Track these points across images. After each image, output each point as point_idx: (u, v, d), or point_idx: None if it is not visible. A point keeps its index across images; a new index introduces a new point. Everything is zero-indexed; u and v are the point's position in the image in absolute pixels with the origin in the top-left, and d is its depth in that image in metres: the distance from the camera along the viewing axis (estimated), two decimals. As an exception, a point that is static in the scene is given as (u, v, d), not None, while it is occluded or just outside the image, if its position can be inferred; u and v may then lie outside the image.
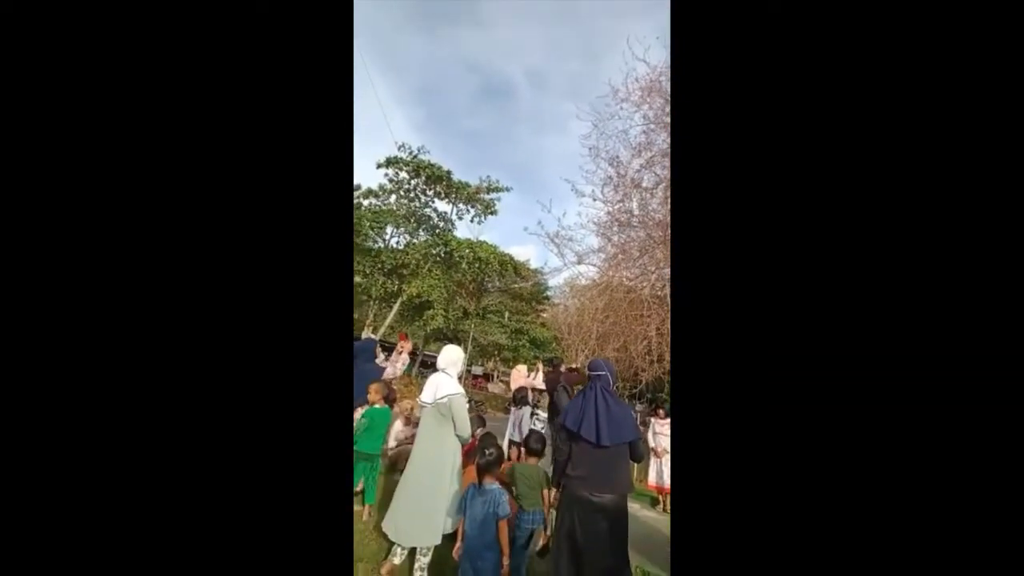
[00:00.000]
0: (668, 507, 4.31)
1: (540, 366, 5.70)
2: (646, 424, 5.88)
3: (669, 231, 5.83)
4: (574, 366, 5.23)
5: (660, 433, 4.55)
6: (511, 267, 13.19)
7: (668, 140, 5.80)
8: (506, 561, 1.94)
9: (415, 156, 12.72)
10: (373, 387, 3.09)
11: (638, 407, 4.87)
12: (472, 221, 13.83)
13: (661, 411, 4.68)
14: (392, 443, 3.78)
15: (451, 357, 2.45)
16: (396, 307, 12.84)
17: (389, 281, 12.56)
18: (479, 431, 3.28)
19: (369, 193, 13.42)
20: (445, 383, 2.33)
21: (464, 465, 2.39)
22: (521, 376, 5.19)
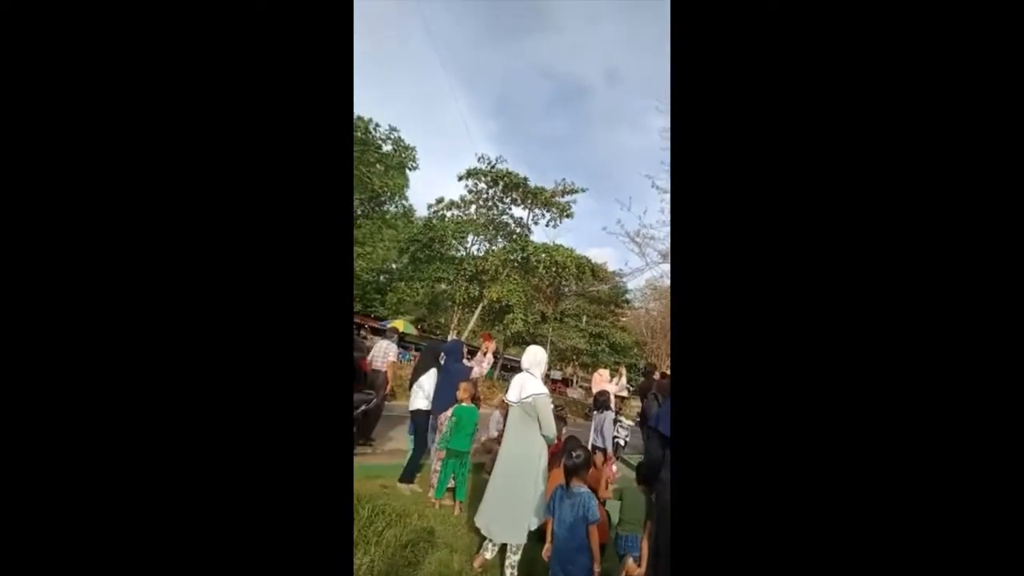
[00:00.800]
0: None
1: (623, 371, 5.54)
2: None
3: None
4: (667, 371, 5.01)
5: None
6: (588, 270, 12.99)
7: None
8: (597, 568, 1.93)
9: (493, 166, 13.22)
10: (463, 386, 3.29)
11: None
12: (548, 225, 13.94)
13: None
14: (493, 432, 3.96)
15: (535, 358, 2.52)
16: (478, 312, 13.38)
17: (471, 287, 13.15)
18: (564, 430, 3.33)
19: (451, 205, 14.23)
20: (530, 383, 2.39)
21: (550, 467, 2.44)
22: (603, 380, 5.10)
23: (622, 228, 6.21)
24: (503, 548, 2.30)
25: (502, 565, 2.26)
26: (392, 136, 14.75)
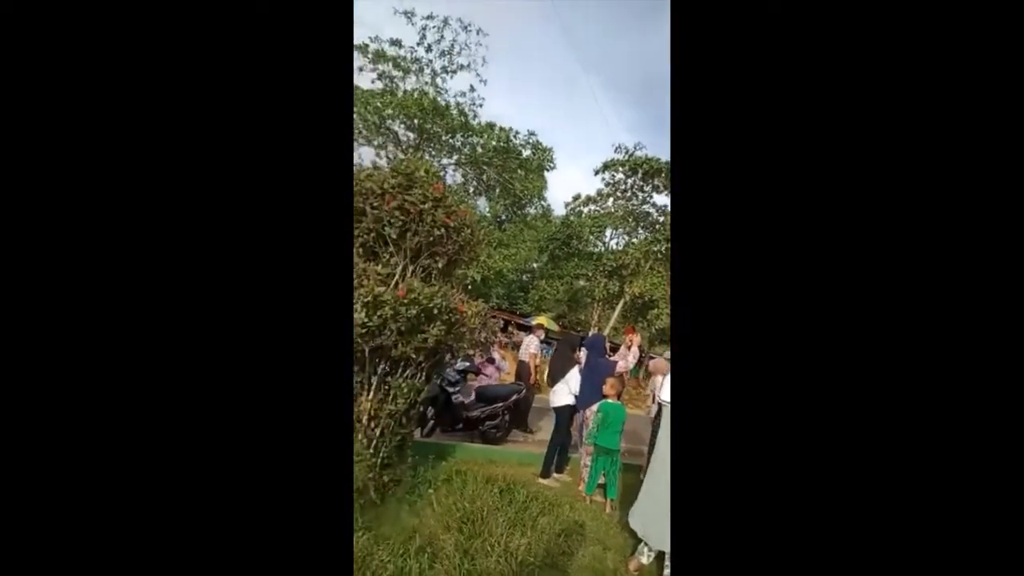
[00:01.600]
0: None
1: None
2: None
3: None
4: None
5: None
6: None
7: None
8: None
9: (631, 155, 12.61)
10: (609, 381, 3.22)
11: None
12: (697, 211, 12.57)
13: None
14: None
15: None
16: (619, 308, 12.95)
17: (610, 282, 12.80)
18: None
19: (588, 200, 14.10)
20: None
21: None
22: (663, 367, 4.34)
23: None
24: (660, 555, 2.18)
25: (659, 570, 2.14)
26: (531, 140, 15.44)
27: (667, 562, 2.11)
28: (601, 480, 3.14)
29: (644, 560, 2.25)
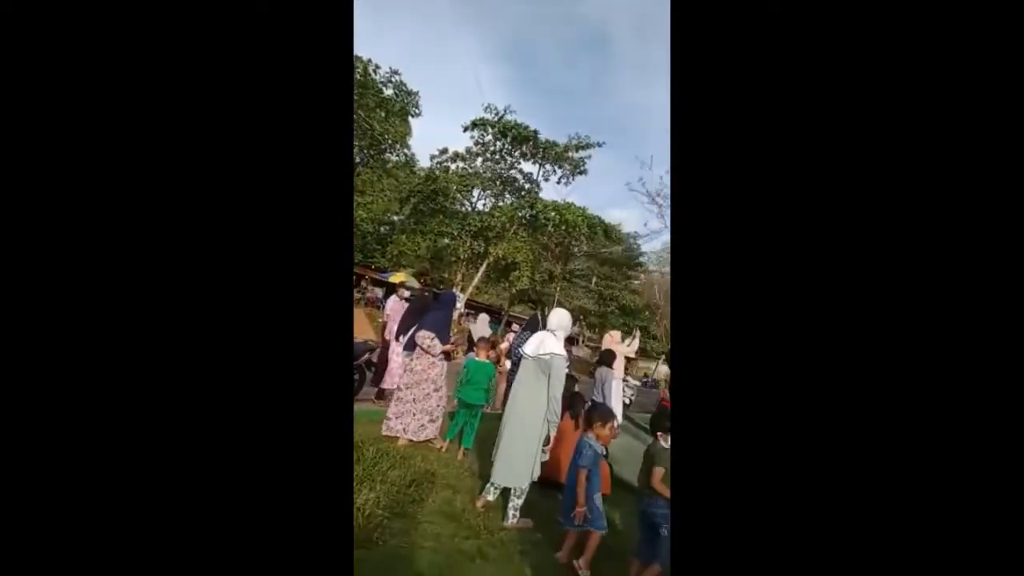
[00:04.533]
0: None
1: (637, 334, 5.64)
2: None
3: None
4: None
5: None
6: (601, 230, 12.80)
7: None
8: (578, 509, 2.02)
9: (501, 117, 12.69)
10: (480, 344, 3.47)
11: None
12: (560, 182, 13.58)
13: None
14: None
15: (561, 321, 2.61)
16: (482, 269, 13.38)
17: (475, 243, 13.06)
18: (576, 387, 3.43)
19: (456, 157, 13.83)
20: (551, 342, 2.47)
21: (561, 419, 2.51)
22: (614, 342, 5.17)
23: (643, 186, 6.02)
24: (506, 492, 2.40)
25: (504, 507, 2.37)
26: (393, 80, 14.10)
27: (512, 496, 2.34)
28: (459, 430, 3.27)
29: (490, 497, 2.45)
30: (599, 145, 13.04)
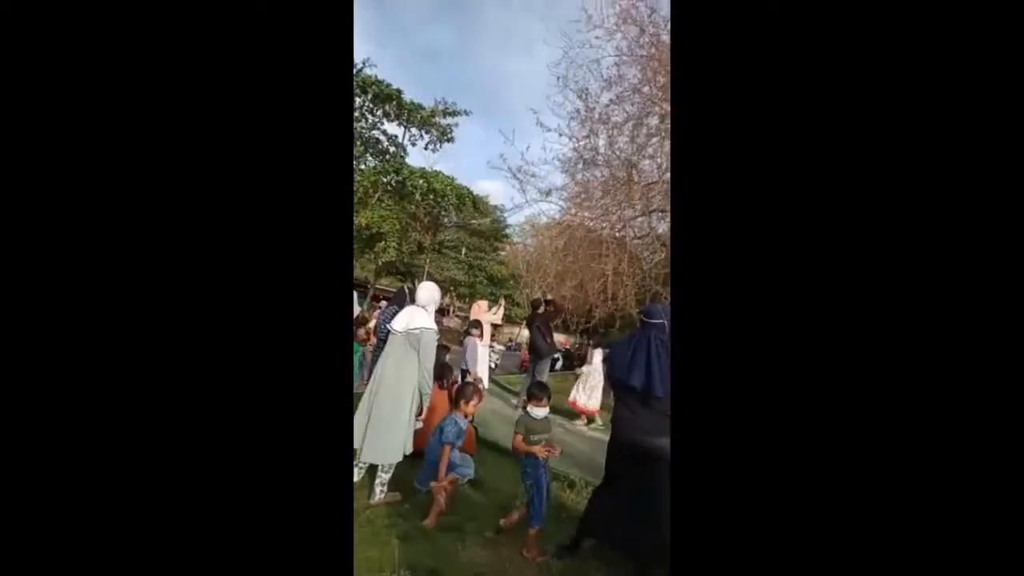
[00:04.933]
0: (591, 423, 4.97)
1: (502, 302, 6.02)
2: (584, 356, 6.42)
3: (633, 171, 5.93)
4: (549, 297, 5.57)
5: (591, 363, 5.10)
6: (470, 201, 12.91)
7: (641, 74, 5.69)
8: (436, 483, 2.23)
9: (359, 70, 11.52)
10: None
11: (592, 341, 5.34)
12: (427, 148, 13.13)
13: (593, 340, 5.17)
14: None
15: (431, 295, 2.64)
16: (344, 239, 12.31)
17: (335, 210, 11.87)
18: (447, 357, 3.53)
19: (308, 107, 12.14)
20: (421, 316, 2.49)
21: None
22: (481, 311, 5.43)
23: (505, 163, 6.23)
24: (372, 469, 2.41)
25: (371, 484, 2.37)
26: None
27: (380, 471, 2.35)
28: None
29: (355, 477, 2.43)
30: (466, 113, 12.93)
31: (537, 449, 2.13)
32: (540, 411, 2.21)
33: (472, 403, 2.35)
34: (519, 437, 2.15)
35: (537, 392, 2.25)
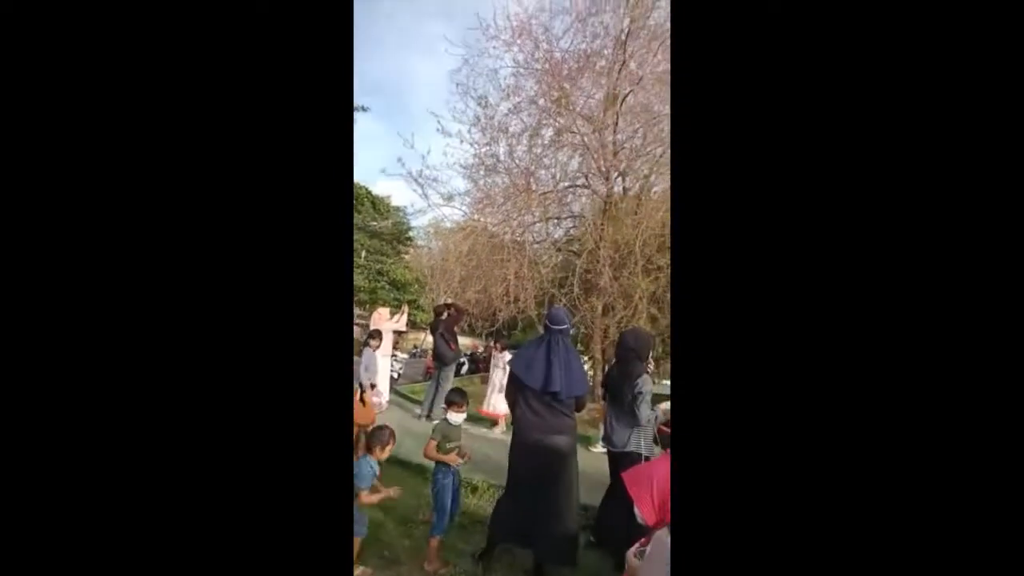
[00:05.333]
0: (505, 427, 4.93)
1: (405, 309, 5.84)
2: (488, 359, 6.55)
3: (531, 179, 6.22)
4: (449, 302, 5.49)
5: (497, 367, 5.00)
6: (368, 202, 12.29)
7: (536, 87, 6.00)
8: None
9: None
10: None
11: (498, 344, 5.40)
12: (320, 143, 12.16)
13: (499, 344, 5.27)
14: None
15: None
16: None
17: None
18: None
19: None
20: None
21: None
22: (382, 319, 5.20)
23: (403, 167, 6.07)
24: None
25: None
26: None
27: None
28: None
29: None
30: (363, 109, 12.30)
31: (451, 457, 2.11)
32: (459, 417, 2.20)
33: (388, 448, 2.23)
34: (433, 444, 2.12)
35: (457, 399, 2.23)
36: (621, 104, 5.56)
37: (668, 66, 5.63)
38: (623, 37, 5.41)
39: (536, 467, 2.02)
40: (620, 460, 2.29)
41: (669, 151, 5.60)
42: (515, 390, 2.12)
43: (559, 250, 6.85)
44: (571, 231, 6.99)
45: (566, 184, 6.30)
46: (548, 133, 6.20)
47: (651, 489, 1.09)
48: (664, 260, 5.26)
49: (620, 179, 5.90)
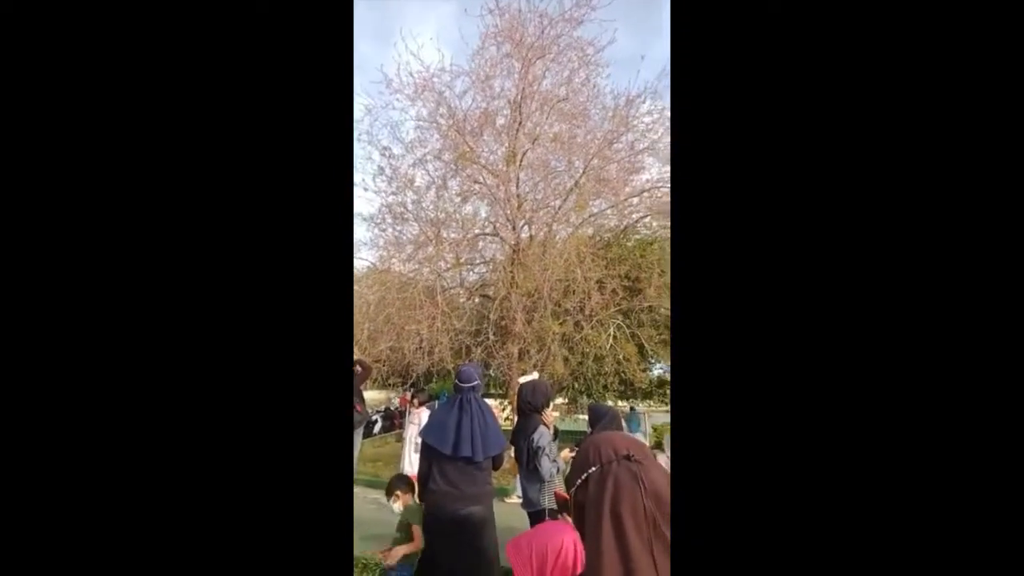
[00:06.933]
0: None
1: None
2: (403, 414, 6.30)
3: (440, 228, 6.31)
4: (354, 358, 5.17)
5: (413, 423, 4.88)
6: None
7: (441, 141, 6.22)
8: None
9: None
10: None
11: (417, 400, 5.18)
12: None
13: (415, 399, 5.12)
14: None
15: None
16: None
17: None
18: None
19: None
20: None
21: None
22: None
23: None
24: None
25: None
26: None
27: None
28: None
29: None
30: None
31: (398, 551, 1.96)
32: (400, 507, 2.07)
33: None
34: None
35: (401, 487, 2.11)
36: (521, 160, 5.98)
37: (560, 128, 6.27)
38: (519, 99, 5.89)
39: (453, 542, 1.95)
40: (537, 517, 2.30)
41: (566, 202, 6.17)
42: (426, 459, 2.05)
43: (472, 295, 6.95)
44: (486, 276, 7.15)
45: (476, 232, 6.50)
46: (455, 184, 6.41)
47: (529, 558, 1.10)
48: (570, 303, 5.60)
49: (527, 227, 6.25)
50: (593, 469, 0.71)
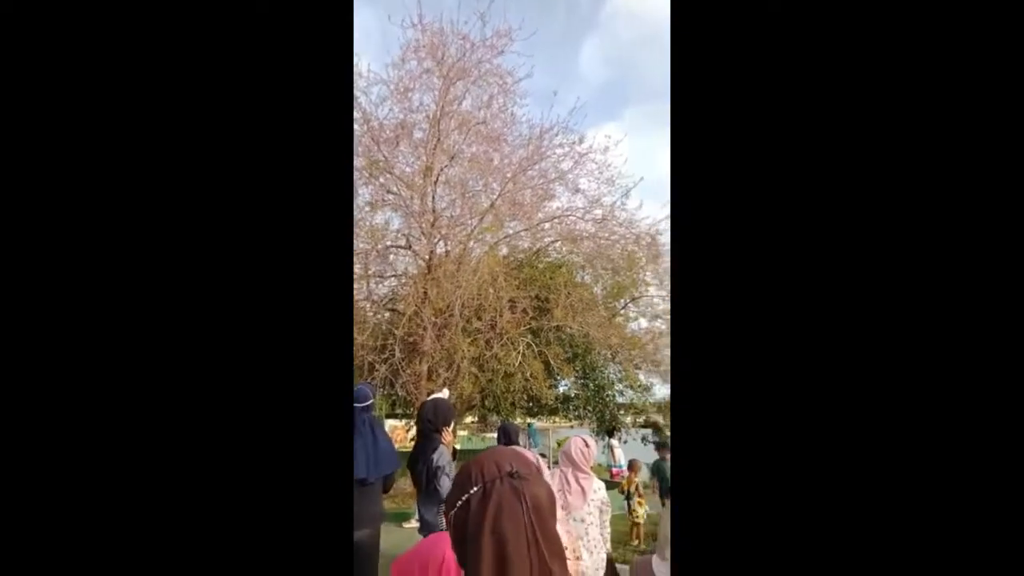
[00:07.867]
0: None
1: None
2: None
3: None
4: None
5: None
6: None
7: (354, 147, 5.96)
8: None
9: None
10: None
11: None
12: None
13: None
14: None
15: None
16: None
17: None
18: None
19: None
20: None
21: None
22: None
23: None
24: None
25: None
26: None
27: None
28: None
29: None
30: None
31: None
32: None
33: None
34: None
35: None
36: (438, 176, 5.98)
37: (478, 149, 6.42)
38: (438, 115, 5.92)
39: None
40: None
41: (482, 221, 6.29)
42: None
43: (380, 309, 6.67)
44: (396, 289, 6.92)
45: (388, 243, 6.30)
46: (366, 193, 6.17)
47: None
48: (480, 323, 5.65)
49: (442, 242, 6.21)
50: (475, 489, 0.72)
